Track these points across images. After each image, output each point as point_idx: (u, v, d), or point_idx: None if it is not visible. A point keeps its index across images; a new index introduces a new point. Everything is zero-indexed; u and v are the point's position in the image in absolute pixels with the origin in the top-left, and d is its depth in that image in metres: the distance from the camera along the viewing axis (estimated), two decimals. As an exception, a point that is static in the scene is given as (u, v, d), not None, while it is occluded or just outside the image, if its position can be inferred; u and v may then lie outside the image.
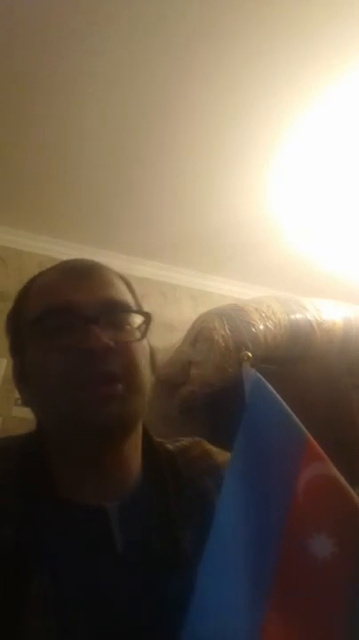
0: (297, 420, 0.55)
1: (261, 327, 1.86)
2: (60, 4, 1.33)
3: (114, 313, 0.55)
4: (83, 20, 1.37)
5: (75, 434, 0.52)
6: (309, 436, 0.53)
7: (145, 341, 0.58)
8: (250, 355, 0.63)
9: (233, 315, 1.89)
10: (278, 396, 0.56)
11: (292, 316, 1.95)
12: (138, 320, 0.58)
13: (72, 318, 0.53)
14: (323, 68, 1.50)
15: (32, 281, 0.63)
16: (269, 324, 1.88)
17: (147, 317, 0.58)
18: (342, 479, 0.50)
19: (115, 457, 0.55)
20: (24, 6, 1.34)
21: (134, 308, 0.59)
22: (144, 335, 0.57)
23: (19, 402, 2.09)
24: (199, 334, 1.90)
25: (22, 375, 0.59)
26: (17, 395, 2.10)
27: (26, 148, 1.86)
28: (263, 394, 0.57)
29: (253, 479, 0.51)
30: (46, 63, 1.51)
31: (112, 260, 2.34)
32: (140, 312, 0.58)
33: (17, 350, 0.59)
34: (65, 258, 2.41)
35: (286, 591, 0.45)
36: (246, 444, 0.53)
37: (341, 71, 1.50)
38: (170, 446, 0.64)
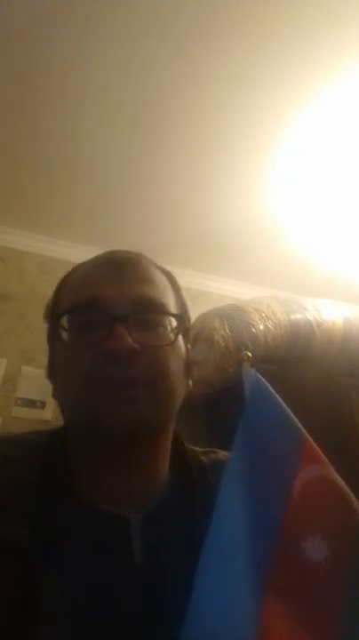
0: (296, 421, 0.55)
1: (261, 327, 1.86)
2: (58, 2, 1.33)
3: (145, 312, 0.51)
4: (80, 20, 1.37)
5: (94, 435, 0.50)
6: (308, 437, 0.53)
7: (180, 345, 0.54)
8: (250, 355, 0.62)
9: (233, 315, 1.89)
10: (278, 397, 0.56)
11: (292, 316, 1.95)
12: (174, 322, 0.53)
13: (99, 315, 0.50)
14: (319, 69, 1.49)
15: (72, 271, 0.60)
16: (269, 324, 1.88)
17: (181, 320, 0.54)
18: (341, 482, 0.50)
19: (135, 462, 0.52)
20: (23, 5, 1.34)
21: (171, 308, 0.54)
22: (176, 339, 0.52)
23: (20, 402, 2.10)
24: (199, 334, 1.90)
25: (51, 369, 0.57)
26: (17, 395, 2.11)
27: (26, 149, 1.86)
28: (263, 394, 0.57)
29: (251, 480, 0.51)
30: (44, 64, 1.51)
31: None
32: (173, 314, 0.54)
33: (49, 343, 0.57)
34: (65, 258, 2.41)
35: (280, 592, 0.45)
36: (245, 445, 0.53)
37: (337, 71, 1.50)
38: (204, 458, 0.60)
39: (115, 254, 0.57)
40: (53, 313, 0.57)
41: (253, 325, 1.85)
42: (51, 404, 2.08)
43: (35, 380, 2.09)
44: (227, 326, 1.84)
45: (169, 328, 0.53)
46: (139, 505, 0.51)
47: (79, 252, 2.56)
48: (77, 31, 1.40)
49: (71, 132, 1.78)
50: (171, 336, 0.52)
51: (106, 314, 0.49)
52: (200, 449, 0.63)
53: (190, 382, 0.58)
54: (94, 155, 1.88)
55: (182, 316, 0.56)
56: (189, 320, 0.61)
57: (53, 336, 0.55)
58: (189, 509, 0.52)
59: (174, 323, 0.53)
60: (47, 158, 1.90)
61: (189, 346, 0.59)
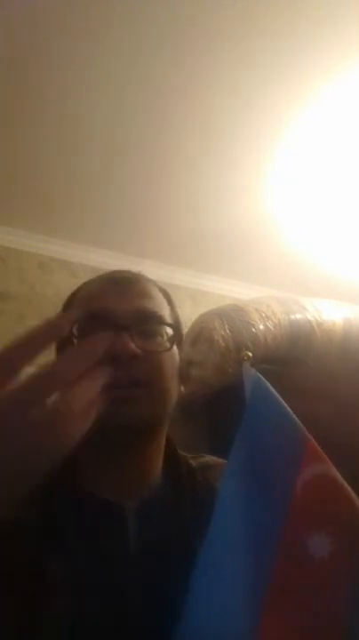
0: (297, 420, 0.55)
1: (261, 327, 1.86)
2: (57, 2, 1.33)
3: (146, 323, 0.58)
4: (78, 19, 1.37)
5: (97, 430, 0.53)
6: (309, 436, 0.53)
7: (174, 352, 0.61)
8: (250, 355, 0.63)
9: (233, 315, 1.89)
10: (278, 397, 0.57)
11: (292, 317, 1.95)
12: (170, 332, 0.60)
13: (106, 325, 0.55)
14: (319, 69, 1.50)
15: (79, 288, 0.67)
16: (269, 325, 1.88)
17: (177, 330, 0.61)
18: (342, 480, 0.50)
19: (133, 455, 0.57)
20: (22, 4, 1.34)
21: (167, 320, 0.61)
22: (172, 346, 0.59)
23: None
24: (199, 334, 1.90)
25: None
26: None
27: (25, 149, 1.86)
28: (263, 394, 0.57)
29: (253, 479, 0.51)
30: (44, 65, 1.51)
31: (112, 260, 2.35)
32: (170, 325, 0.61)
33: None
34: (65, 258, 2.42)
35: (283, 590, 0.45)
36: (246, 445, 0.53)
37: (337, 71, 1.50)
38: (193, 462, 0.66)
39: (119, 273, 0.66)
40: None
41: (253, 325, 1.85)
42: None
43: (35, 380, 2.09)
44: (227, 326, 1.84)
45: (165, 337, 0.60)
46: (134, 495, 0.57)
47: (79, 252, 2.58)
48: (77, 32, 1.40)
49: (71, 132, 1.78)
50: (168, 344, 0.59)
51: (111, 323, 0.55)
52: (189, 454, 0.68)
53: (182, 388, 0.64)
54: (94, 155, 1.88)
55: (177, 327, 0.63)
56: (182, 332, 0.68)
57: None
58: (180, 502, 0.58)
59: (170, 332, 0.60)
60: (47, 158, 1.90)
61: (182, 355, 0.66)
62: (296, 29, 1.38)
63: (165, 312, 0.63)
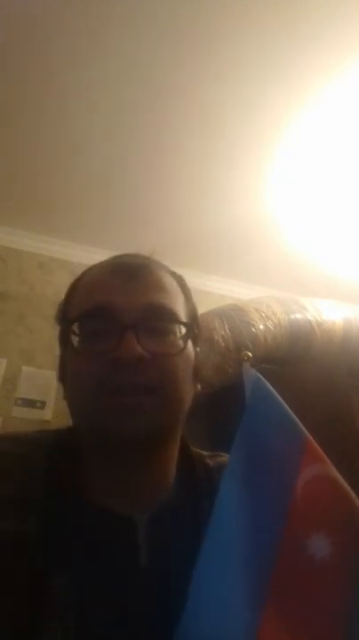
0: (297, 420, 0.55)
1: (261, 327, 1.86)
2: (56, 1, 1.33)
3: (156, 320, 0.52)
4: (77, 18, 1.37)
5: (101, 444, 0.51)
6: (309, 436, 0.53)
7: (189, 351, 0.54)
8: (250, 355, 0.62)
9: (233, 315, 1.89)
10: (278, 397, 0.56)
11: (292, 316, 1.95)
12: (184, 328, 0.54)
13: (109, 323, 0.50)
14: (319, 69, 1.50)
15: (83, 274, 0.60)
16: (269, 324, 1.88)
17: (190, 327, 0.55)
18: (342, 480, 0.50)
19: (143, 467, 0.53)
20: (22, 4, 1.34)
21: (181, 314, 0.55)
22: (185, 346, 0.53)
23: (20, 402, 2.09)
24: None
25: (62, 371, 0.57)
26: (17, 395, 2.11)
27: (26, 149, 1.86)
28: (263, 394, 0.57)
29: (252, 479, 0.51)
30: (43, 64, 1.51)
31: (112, 260, 2.34)
32: (184, 323, 0.54)
33: (61, 345, 0.57)
34: (65, 258, 2.41)
35: (284, 591, 0.45)
36: (246, 445, 0.53)
37: (337, 71, 1.50)
38: (210, 461, 0.61)
39: (125, 259, 0.58)
40: (64, 317, 0.57)
41: (253, 325, 1.85)
42: (52, 403, 2.08)
43: (35, 380, 2.09)
44: (227, 326, 1.84)
45: (178, 335, 0.53)
46: (145, 506, 0.52)
47: (79, 252, 2.57)
48: (76, 31, 1.40)
49: (71, 132, 1.78)
50: (181, 343, 0.53)
51: (116, 322, 0.50)
52: (206, 452, 0.63)
53: (199, 386, 0.58)
54: (94, 155, 1.88)
55: (192, 323, 0.56)
56: (199, 325, 0.60)
57: (65, 340, 0.55)
58: (194, 511, 0.53)
59: (184, 330, 0.54)
60: (47, 158, 1.90)
61: (198, 349, 0.59)
62: (296, 29, 1.38)
63: (179, 305, 0.55)
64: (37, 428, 0.61)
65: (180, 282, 0.60)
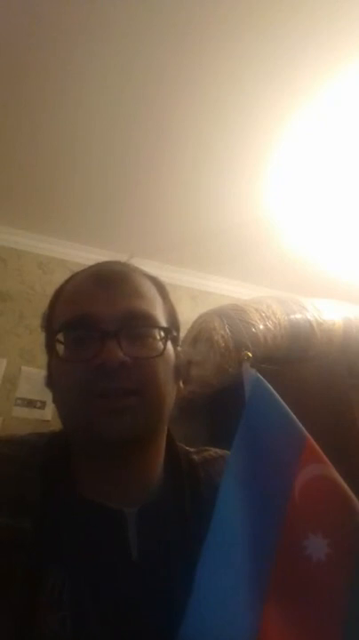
0: (296, 420, 0.55)
1: (261, 327, 1.86)
2: (56, 1, 1.33)
3: (135, 326, 0.54)
4: (78, 18, 1.37)
5: (89, 444, 0.54)
6: (309, 436, 0.53)
7: (169, 353, 0.57)
8: (250, 355, 0.63)
9: (233, 315, 1.89)
10: (278, 397, 0.56)
11: (292, 316, 1.95)
12: (162, 333, 0.57)
13: (92, 331, 0.53)
14: (318, 68, 1.49)
15: (65, 282, 0.63)
16: (269, 324, 1.88)
17: (168, 331, 0.57)
18: (341, 481, 0.50)
19: (130, 465, 0.55)
20: (22, 4, 1.34)
21: (159, 318, 0.58)
22: (164, 348, 0.56)
23: (19, 402, 2.10)
24: (199, 334, 1.90)
25: (50, 377, 0.60)
26: (17, 395, 2.11)
27: (25, 149, 1.86)
28: (263, 394, 0.57)
29: (252, 479, 0.51)
30: (43, 65, 1.51)
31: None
32: (162, 327, 0.57)
33: (47, 352, 0.60)
34: (65, 258, 2.40)
35: (283, 591, 0.45)
36: (245, 444, 0.53)
37: (337, 71, 1.50)
38: (195, 457, 0.64)
39: (103, 267, 0.61)
40: (49, 325, 0.60)
41: (253, 325, 1.85)
42: (52, 404, 2.08)
43: (35, 380, 2.09)
44: (227, 326, 1.84)
45: (158, 338, 0.56)
46: (134, 501, 0.54)
47: (79, 252, 2.57)
48: (76, 32, 1.40)
49: (70, 132, 1.78)
50: (160, 345, 0.56)
51: (97, 330, 0.53)
52: (193, 448, 0.66)
53: (181, 384, 0.61)
54: (94, 155, 1.88)
55: (170, 326, 0.59)
56: (178, 325, 0.64)
57: (50, 348, 0.58)
58: (180, 505, 0.56)
59: (162, 333, 0.57)
60: (47, 159, 1.90)
61: (179, 349, 0.62)
62: (295, 29, 1.38)
63: (158, 309, 0.58)
64: (37, 429, 0.65)
65: (157, 284, 0.63)
